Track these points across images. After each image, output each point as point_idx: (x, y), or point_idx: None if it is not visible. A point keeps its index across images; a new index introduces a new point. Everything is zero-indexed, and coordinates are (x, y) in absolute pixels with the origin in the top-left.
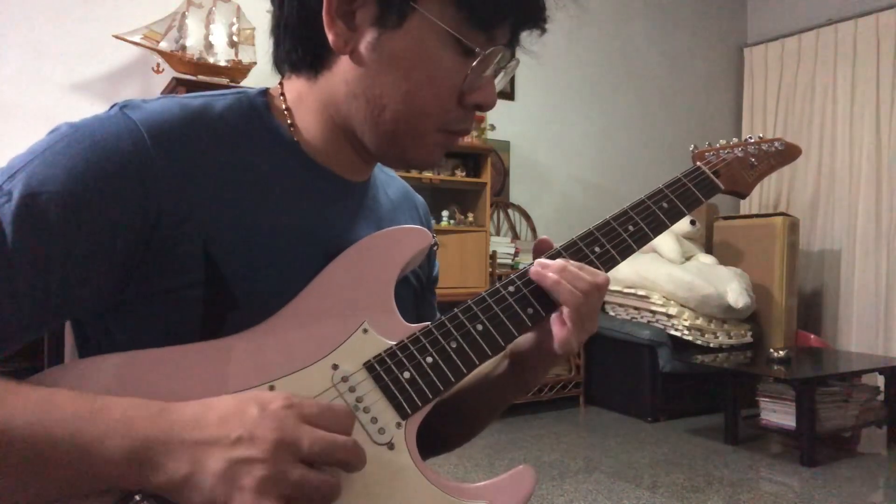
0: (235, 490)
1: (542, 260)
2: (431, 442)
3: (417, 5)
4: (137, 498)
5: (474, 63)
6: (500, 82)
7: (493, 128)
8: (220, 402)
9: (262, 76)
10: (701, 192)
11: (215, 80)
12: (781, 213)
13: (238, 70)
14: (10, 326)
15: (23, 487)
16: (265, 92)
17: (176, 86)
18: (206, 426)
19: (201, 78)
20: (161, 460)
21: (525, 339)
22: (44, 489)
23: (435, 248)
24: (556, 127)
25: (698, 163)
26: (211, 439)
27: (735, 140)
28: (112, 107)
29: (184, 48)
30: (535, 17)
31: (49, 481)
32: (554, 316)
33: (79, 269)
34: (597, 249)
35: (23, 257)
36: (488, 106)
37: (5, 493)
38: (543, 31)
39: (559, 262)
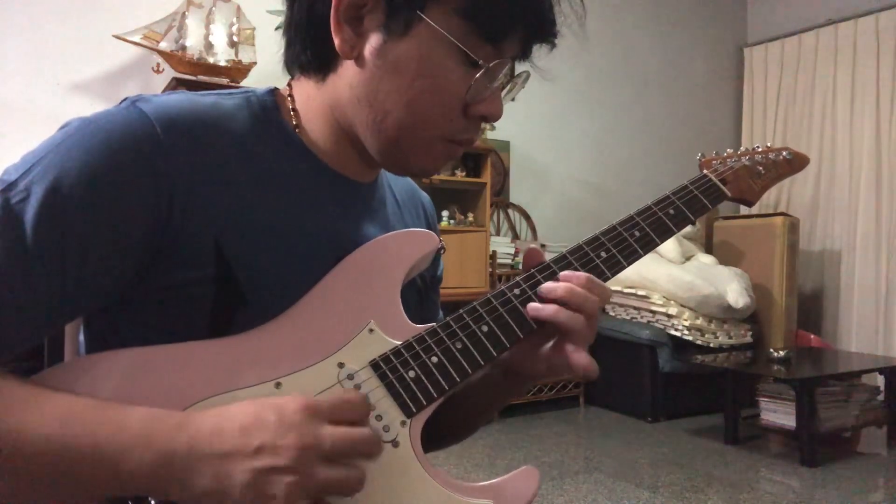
0: (266, 500)
1: (543, 286)
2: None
3: (424, 15)
4: (151, 501)
5: (478, 75)
6: (510, 94)
7: (493, 128)
8: (238, 412)
9: (262, 76)
10: (708, 200)
11: (215, 80)
12: (781, 213)
13: (238, 70)
14: (29, 323)
15: (42, 499)
16: (273, 91)
17: (176, 86)
18: (226, 438)
19: (201, 78)
20: (183, 475)
21: (522, 354)
22: (62, 499)
23: (442, 251)
24: (556, 127)
25: (705, 171)
26: (233, 451)
27: (742, 149)
28: (123, 101)
29: (184, 48)
30: (545, 32)
31: (68, 494)
32: (569, 348)
33: (95, 263)
34: (603, 254)
35: (42, 253)
36: (494, 118)
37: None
38: (553, 45)
39: (559, 289)
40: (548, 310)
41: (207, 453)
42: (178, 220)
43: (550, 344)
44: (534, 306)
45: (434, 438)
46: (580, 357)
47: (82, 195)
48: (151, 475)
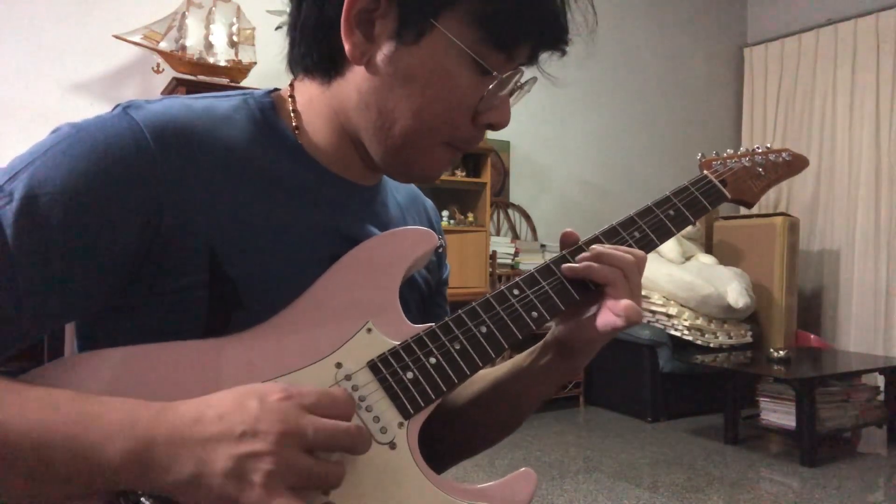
0: (245, 486)
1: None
2: (470, 442)
3: (437, 23)
4: (143, 500)
5: (491, 85)
6: (515, 100)
7: None
8: (219, 398)
9: (262, 76)
10: (707, 201)
11: (215, 80)
12: (781, 213)
13: (238, 70)
14: (13, 328)
15: (24, 491)
16: (272, 93)
17: (176, 86)
18: (207, 423)
19: (201, 78)
20: (165, 462)
21: (572, 325)
22: (46, 492)
23: (440, 249)
24: (556, 127)
25: (705, 171)
26: (214, 436)
27: (742, 149)
28: (115, 107)
29: (184, 48)
30: (557, 40)
31: (51, 485)
32: (609, 302)
33: (81, 271)
34: None
35: (24, 259)
36: (502, 125)
37: (7, 496)
38: (564, 53)
39: (593, 249)
40: (579, 266)
41: (188, 439)
42: (168, 229)
43: (594, 309)
44: (568, 266)
45: (474, 443)
46: (617, 304)
47: (66, 204)
48: (131, 463)
